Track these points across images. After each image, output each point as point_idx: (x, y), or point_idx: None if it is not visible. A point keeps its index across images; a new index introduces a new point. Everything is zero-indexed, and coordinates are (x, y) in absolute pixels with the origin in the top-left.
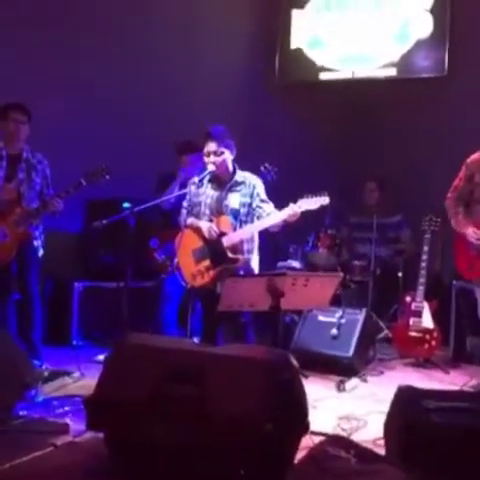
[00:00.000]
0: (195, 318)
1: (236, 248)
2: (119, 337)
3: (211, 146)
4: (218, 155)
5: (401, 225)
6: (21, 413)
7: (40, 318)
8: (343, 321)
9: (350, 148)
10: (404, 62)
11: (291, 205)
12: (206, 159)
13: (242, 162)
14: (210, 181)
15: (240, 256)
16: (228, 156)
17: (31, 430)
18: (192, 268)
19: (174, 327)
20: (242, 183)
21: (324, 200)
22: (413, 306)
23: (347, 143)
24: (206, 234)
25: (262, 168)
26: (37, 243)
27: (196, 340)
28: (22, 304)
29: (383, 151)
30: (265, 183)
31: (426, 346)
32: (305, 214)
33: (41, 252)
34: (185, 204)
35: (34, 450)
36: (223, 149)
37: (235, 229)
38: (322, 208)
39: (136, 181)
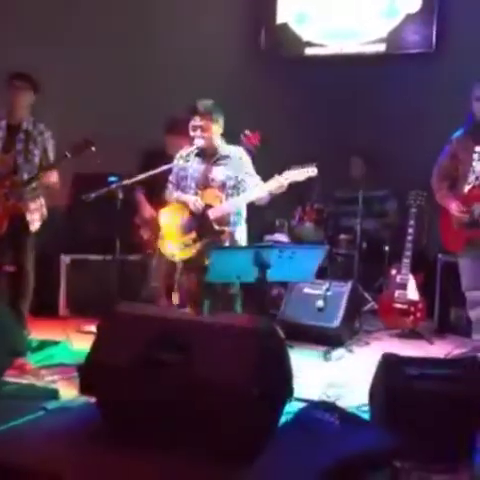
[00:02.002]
0: (182, 290)
1: (222, 220)
2: (109, 307)
3: (198, 120)
4: (205, 130)
5: (387, 199)
6: (11, 380)
7: (31, 291)
8: (329, 293)
9: (337, 123)
10: (393, 37)
11: (277, 177)
12: (192, 133)
13: (230, 136)
14: (196, 155)
15: (226, 228)
16: (215, 130)
17: (21, 396)
18: (178, 241)
19: (162, 299)
20: (228, 157)
21: (312, 171)
22: (398, 278)
23: (334, 118)
24: (192, 207)
25: (242, 136)
26: (31, 217)
27: (185, 309)
28: (14, 276)
29: (370, 126)
30: (247, 151)
31: (411, 317)
32: (292, 187)
33: (36, 226)
34: (171, 178)
35: (25, 415)
36: (210, 123)
37: (221, 202)
38: (309, 182)
39: (125, 158)
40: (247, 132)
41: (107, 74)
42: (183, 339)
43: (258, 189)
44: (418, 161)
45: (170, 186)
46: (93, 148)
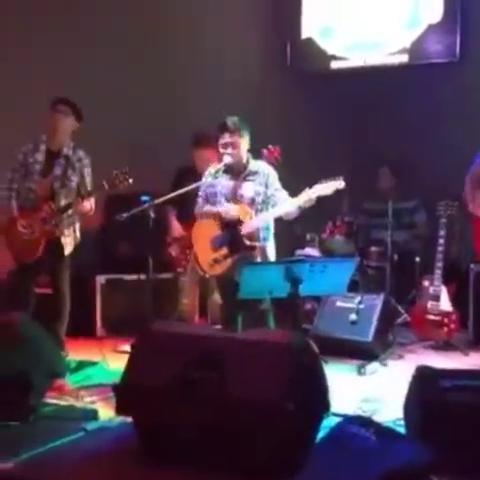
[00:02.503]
0: (214, 307)
1: (252, 236)
2: (144, 326)
3: (227, 137)
4: (234, 146)
5: (417, 209)
6: (51, 401)
7: (67, 314)
8: (362, 306)
9: (363, 135)
10: (415, 48)
11: (306, 191)
12: (222, 150)
13: (253, 151)
14: (225, 171)
15: (257, 244)
16: (244, 147)
17: (61, 417)
18: (209, 257)
19: (195, 316)
20: (256, 172)
21: (339, 184)
22: (431, 290)
23: (360, 130)
24: (225, 215)
25: (264, 150)
26: (65, 240)
27: (217, 327)
28: (50, 298)
29: (396, 136)
30: (271, 165)
31: (445, 329)
32: (321, 201)
33: (69, 249)
34: (201, 193)
35: (65, 436)
36: (239, 140)
37: (251, 218)
38: (338, 195)
39: (155, 176)
40: (270, 147)
41: (135, 91)
42: (217, 356)
43: (288, 204)
44: (446, 170)
45: (200, 200)
46: (130, 180)
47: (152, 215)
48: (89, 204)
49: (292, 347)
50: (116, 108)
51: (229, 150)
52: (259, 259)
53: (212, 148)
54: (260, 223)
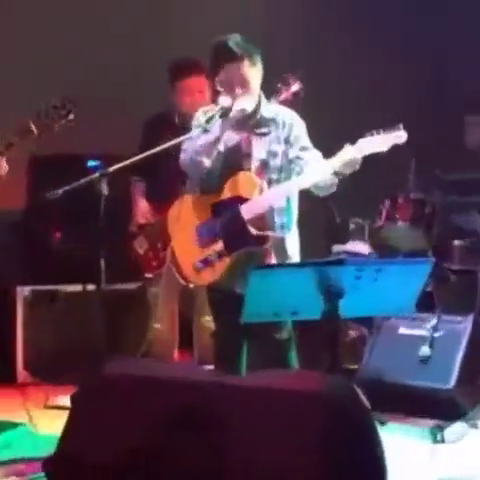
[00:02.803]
0: (203, 336)
1: (263, 222)
2: (92, 365)
3: (234, 68)
4: (245, 83)
5: None
6: None
7: None
8: (438, 334)
9: (439, 64)
10: None
11: (347, 147)
12: (222, 88)
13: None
14: (224, 119)
15: (270, 233)
16: (256, 81)
17: None
18: (195, 255)
19: (174, 348)
20: (272, 121)
21: (397, 136)
22: None
23: (432, 55)
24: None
25: (279, 86)
26: None
27: (209, 367)
28: None
29: None
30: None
31: None
32: (373, 169)
33: None
34: (185, 157)
35: None
36: (249, 70)
37: (261, 192)
38: (399, 157)
39: (110, 131)
40: (288, 78)
41: None
42: (208, 415)
43: (319, 169)
44: None
45: (184, 169)
46: (71, 116)
47: (105, 191)
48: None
49: (327, 400)
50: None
51: (238, 90)
52: (274, 260)
53: (203, 77)
54: (275, 201)
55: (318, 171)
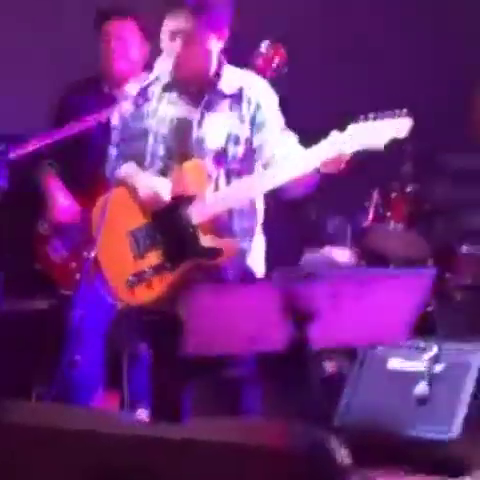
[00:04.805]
0: (139, 371)
1: (218, 226)
2: None
3: (179, 20)
4: (192, 40)
5: None
6: None
7: None
8: (439, 369)
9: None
10: None
11: (332, 135)
12: (166, 45)
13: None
14: (167, 90)
15: (227, 242)
16: (213, 43)
17: None
18: (128, 268)
19: (97, 388)
20: (235, 96)
21: (401, 126)
22: None
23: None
24: (147, 201)
25: (256, 55)
26: None
27: (142, 413)
28: None
29: None
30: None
31: None
32: (362, 156)
33: None
34: (114, 138)
35: None
36: (200, 23)
37: (217, 188)
38: (395, 143)
39: (13, 103)
40: (264, 45)
41: None
42: (142, 477)
43: (295, 162)
44: None
45: (113, 153)
46: None
47: (2, 183)
48: None
49: (290, 458)
50: None
51: (177, 42)
52: (231, 273)
53: (131, 22)
54: (235, 200)
55: (293, 168)
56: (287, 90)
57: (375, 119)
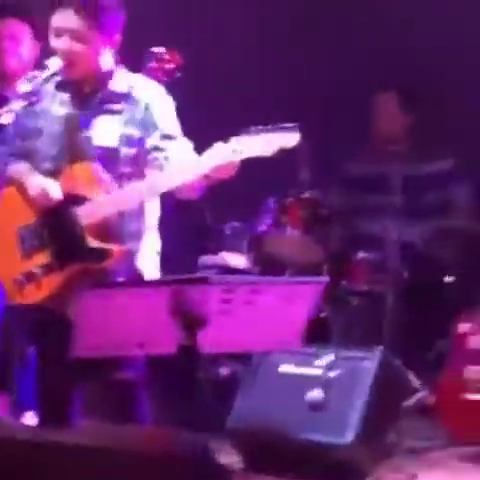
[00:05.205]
0: (26, 373)
1: (107, 230)
2: None
3: (66, 18)
4: (80, 39)
5: (452, 179)
6: None
7: None
8: (334, 374)
9: (343, 32)
10: None
11: (219, 145)
12: (53, 43)
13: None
14: (60, 89)
15: (115, 245)
16: (102, 45)
17: None
18: (16, 267)
19: None
20: (127, 96)
21: (288, 139)
22: (474, 342)
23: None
24: (36, 199)
25: (150, 58)
26: None
27: (29, 417)
28: None
29: (410, 40)
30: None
31: None
32: (255, 164)
33: None
34: (7, 137)
35: None
36: (86, 23)
37: (109, 191)
38: (289, 153)
39: None
40: (159, 50)
41: None
42: None
43: (185, 167)
44: None
45: (4, 152)
46: None
47: None
48: None
49: (181, 465)
50: None
51: (65, 42)
52: (121, 276)
53: (27, 21)
54: (126, 203)
55: (183, 172)
56: (184, 97)
57: (264, 131)
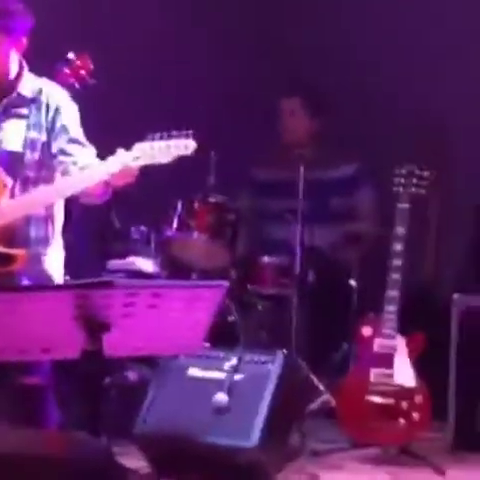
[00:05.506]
0: None
1: (12, 235)
2: None
3: None
4: None
5: (358, 183)
6: None
7: None
8: (239, 377)
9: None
10: None
11: (120, 152)
12: None
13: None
14: None
15: (20, 251)
16: (9, 48)
17: None
18: None
19: None
20: (34, 101)
21: (185, 146)
22: (377, 345)
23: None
24: None
25: (61, 64)
26: None
27: None
28: None
29: (320, 42)
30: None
31: (402, 422)
32: (162, 168)
33: None
34: None
35: None
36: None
37: (13, 196)
38: (200, 154)
39: None
40: (70, 56)
41: None
42: None
43: (87, 173)
44: (419, 106)
45: None
46: None
47: None
48: None
49: (81, 468)
50: None
51: None
52: (26, 280)
53: None
54: (31, 208)
55: (85, 178)
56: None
57: (161, 139)
